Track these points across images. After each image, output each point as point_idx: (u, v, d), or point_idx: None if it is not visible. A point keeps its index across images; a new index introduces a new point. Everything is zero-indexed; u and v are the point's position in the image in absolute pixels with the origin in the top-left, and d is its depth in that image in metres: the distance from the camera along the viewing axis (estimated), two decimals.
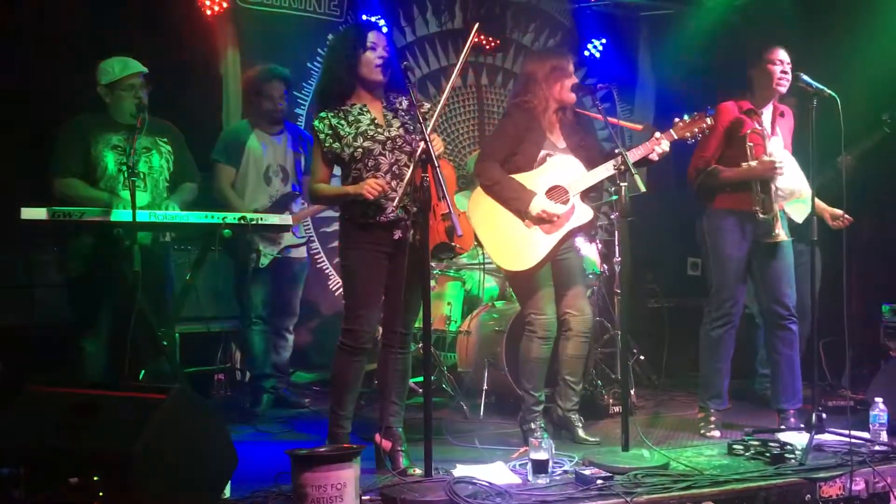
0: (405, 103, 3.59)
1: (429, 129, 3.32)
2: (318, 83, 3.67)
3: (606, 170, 3.87)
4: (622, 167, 3.65)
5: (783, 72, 4.17)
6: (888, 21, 5.65)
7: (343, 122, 3.50)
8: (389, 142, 3.51)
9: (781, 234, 4.13)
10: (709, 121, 3.91)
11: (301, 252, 5.13)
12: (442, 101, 3.54)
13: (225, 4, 5.60)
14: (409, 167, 3.43)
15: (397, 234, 3.49)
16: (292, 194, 4.99)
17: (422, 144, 3.27)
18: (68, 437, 2.71)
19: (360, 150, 3.47)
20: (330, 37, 3.59)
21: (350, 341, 3.52)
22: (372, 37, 3.54)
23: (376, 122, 3.53)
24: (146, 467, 2.58)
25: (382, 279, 3.56)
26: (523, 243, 3.95)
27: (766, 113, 4.27)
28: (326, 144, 3.50)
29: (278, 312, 5.10)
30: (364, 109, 3.55)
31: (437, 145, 3.40)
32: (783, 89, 4.21)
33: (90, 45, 4.59)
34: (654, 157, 3.87)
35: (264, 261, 4.88)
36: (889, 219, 5.77)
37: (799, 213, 4.24)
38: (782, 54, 4.20)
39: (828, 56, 5.42)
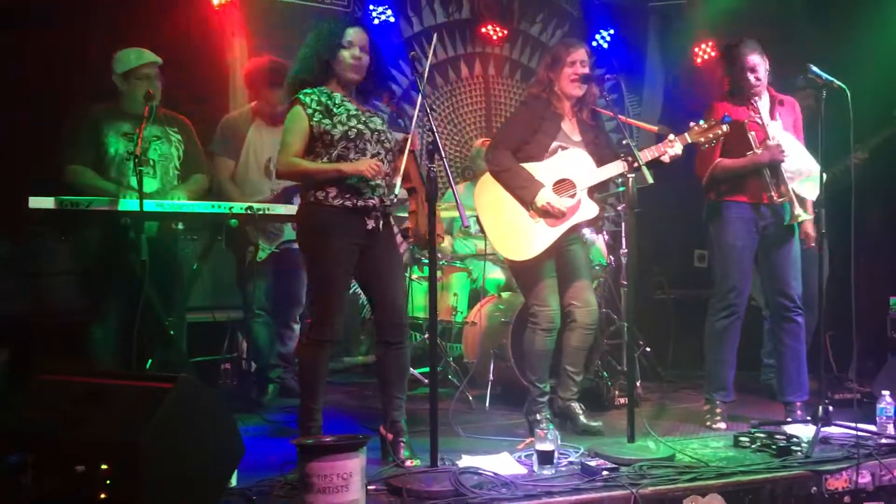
0: (383, 102, 3.60)
1: (412, 125, 3.35)
2: (292, 72, 3.53)
3: (616, 168, 3.88)
4: (633, 164, 3.65)
5: (754, 72, 4.17)
6: None
7: (331, 101, 3.46)
8: (376, 133, 3.50)
9: (801, 213, 4.12)
10: (724, 128, 3.90)
11: None
12: (416, 112, 3.53)
13: None
14: (384, 162, 3.45)
15: (370, 224, 3.46)
16: (295, 187, 4.97)
17: (414, 138, 3.29)
18: (75, 425, 2.72)
19: (355, 130, 3.43)
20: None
21: (318, 335, 3.44)
22: (350, 33, 3.48)
23: (360, 112, 3.51)
24: (153, 456, 2.59)
25: (349, 272, 3.51)
26: (526, 234, 3.95)
27: (763, 101, 4.26)
28: (315, 119, 3.41)
29: (283, 303, 5.09)
30: (345, 100, 3.51)
31: (417, 143, 3.49)
32: (760, 89, 4.21)
33: (98, 37, 4.61)
34: (666, 159, 3.88)
35: (262, 254, 4.84)
36: None
37: (809, 191, 4.21)
38: (751, 57, 4.18)
39: (836, 49, 5.39)
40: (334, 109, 3.44)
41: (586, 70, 4.01)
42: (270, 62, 5.00)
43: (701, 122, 3.94)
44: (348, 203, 3.41)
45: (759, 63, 4.18)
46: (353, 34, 3.49)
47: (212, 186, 4.81)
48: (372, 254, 3.50)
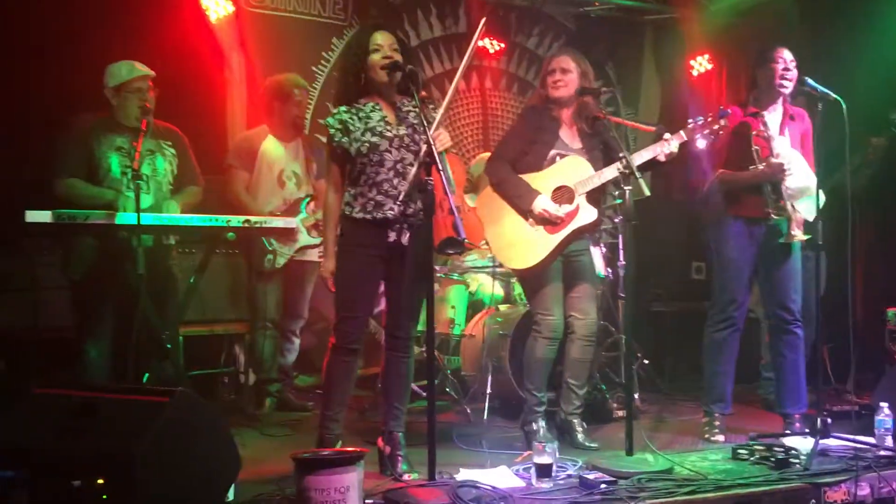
0: (411, 104, 3.55)
1: (433, 128, 3.33)
2: (335, 87, 3.70)
3: (611, 171, 3.87)
4: (626, 170, 3.65)
5: (785, 69, 4.14)
6: (890, 23, 5.65)
7: (355, 117, 3.50)
8: (397, 139, 3.49)
9: (798, 233, 4.11)
10: (722, 122, 3.87)
11: (313, 254, 5.13)
12: (447, 101, 3.53)
13: (230, 9, 5.61)
14: (413, 167, 3.44)
15: (392, 237, 3.47)
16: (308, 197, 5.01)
17: (423, 146, 3.28)
18: (71, 439, 2.71)
19: (367, 144, 3.45)
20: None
21: (337, 340, 3.52)
22: (377, 38, 3.51)
23: (387, 119, 3.53)
24: (149, 470, 2.58)
25: (374, 281, 3.57)
26: (527, 242, 3.97)
27: (774, 114, 4.23)
28: (336, 139, 3.49)
29: (286, 315, 5.11)
30: (377, 108, 3.54)
31: (445, 140, 3.41)
32: (786, 89, 4.18)
33: (95, 50, 4.60)
34: (662, 157, 3.87)
35: (281, 260, 4.89)
36: (893, 224, 5.76)
37: (808, 210, 4.20)
38: (785, 53, 4.18)
39: (831, 59, 5.42)
40: (352, 126, 3.48)
41: (564, 76, 4.01)
42: (269, 82, 5.06)
43: (698, 119, 3.90)
44: (368, 216, 3.47)
45: (791, 61, 4.16)
46: (380, 38, 3.51)
47: (228, 197, 4.85)
48: (392, 265, 3.53)
